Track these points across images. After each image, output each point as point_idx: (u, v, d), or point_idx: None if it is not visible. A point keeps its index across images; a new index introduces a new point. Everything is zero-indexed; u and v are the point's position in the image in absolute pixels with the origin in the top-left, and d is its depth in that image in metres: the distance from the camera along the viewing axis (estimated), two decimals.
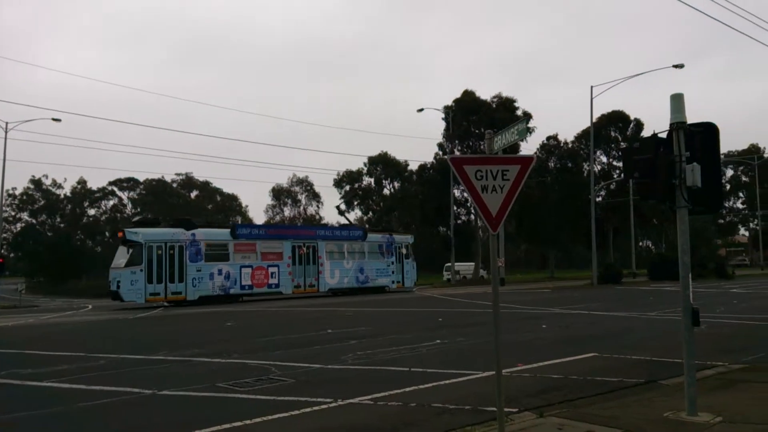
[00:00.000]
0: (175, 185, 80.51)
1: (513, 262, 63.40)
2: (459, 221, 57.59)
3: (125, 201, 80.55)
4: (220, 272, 30.37)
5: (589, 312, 20.18)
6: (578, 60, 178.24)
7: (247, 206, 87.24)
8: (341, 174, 70.74)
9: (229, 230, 32.24)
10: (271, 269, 32.23)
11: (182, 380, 9.36)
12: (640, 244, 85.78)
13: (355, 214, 75.04)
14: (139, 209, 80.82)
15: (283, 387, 8.69)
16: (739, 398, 7.22)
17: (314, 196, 77.26)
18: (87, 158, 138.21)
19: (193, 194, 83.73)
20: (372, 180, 71.59)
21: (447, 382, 8.86)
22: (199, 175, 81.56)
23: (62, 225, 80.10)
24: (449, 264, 51.10)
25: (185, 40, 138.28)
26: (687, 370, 6.40)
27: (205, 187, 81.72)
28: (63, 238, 69.29)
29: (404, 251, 38.43)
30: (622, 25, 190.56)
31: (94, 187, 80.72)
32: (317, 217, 78.09)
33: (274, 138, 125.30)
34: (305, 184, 76.32)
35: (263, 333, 16.04)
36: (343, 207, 70.92)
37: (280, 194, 76.00)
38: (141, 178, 78.73)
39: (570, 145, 66.23)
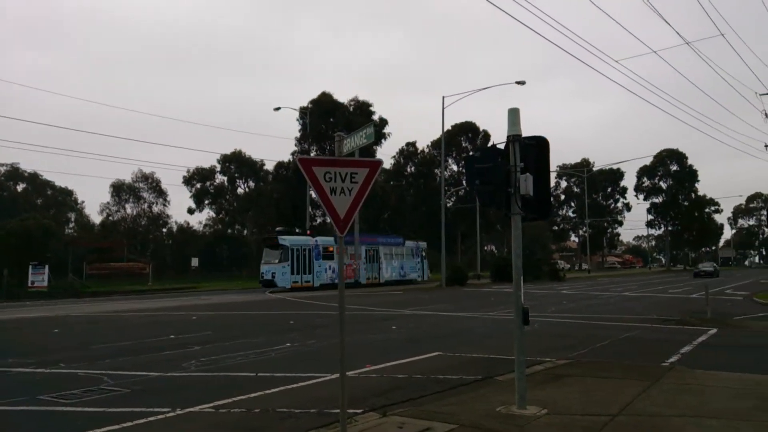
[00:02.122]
0: None
1: None
2: (315, 222, 57.52)
3: None
4: (329, 267, 40.93)
5: (437, 313, 21.04)
6: (442, 72, 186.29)
7: (83, 202, 79.94)
8: (191, 171, 67.45)
9: (333, 238, 40.25)
10: (355, 266, 42.84)
11: None
12: (486, 248, 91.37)
13: (207, 214, 72.07)
14: None
15: (116, 398, 8.07)
16: (564, 392, 7.85)
17: (160, 194, 72.36)
18: None
19: (20, 187, 75.22)
20: (225, 179, 69.08)
21: (295, 386, 8.75)
22: (28, 167, 73.63)
23: None
24: None
25: (27, 17, 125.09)
26: (517, 367, 6.83)
27: (33, 179, 73.50)
28: None
29: (423, 254, 50.20)
30: (492, 42, 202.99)
31: None
32: (164, 215, 73.31)
33: (122, 130, 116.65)
34: (151, 181, 71.29)
35: (94, 341, 14.75)
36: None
37: (121, 190, 70.12)
38: None
39: (426, 152, 69.03)
